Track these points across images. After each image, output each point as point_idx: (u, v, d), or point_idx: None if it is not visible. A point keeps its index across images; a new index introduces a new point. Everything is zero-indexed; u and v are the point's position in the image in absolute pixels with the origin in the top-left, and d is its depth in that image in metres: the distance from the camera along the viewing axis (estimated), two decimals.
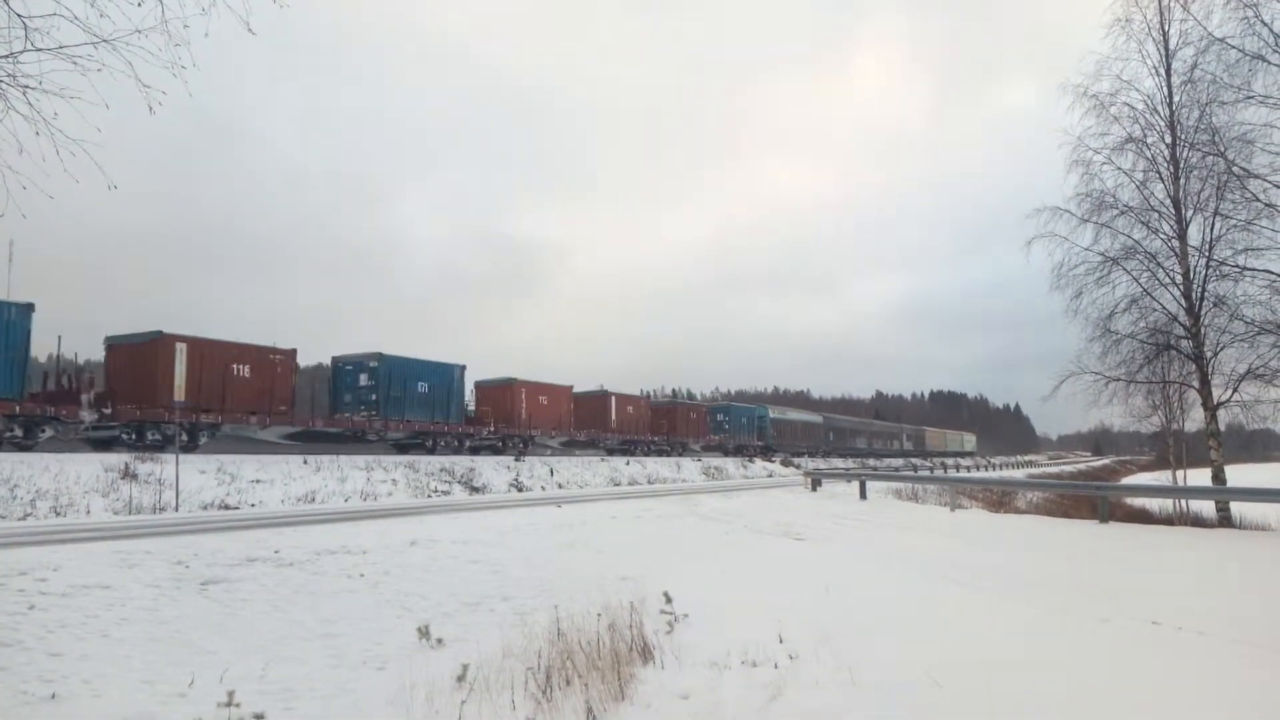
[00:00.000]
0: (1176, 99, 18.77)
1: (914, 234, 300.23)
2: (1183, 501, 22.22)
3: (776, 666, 5.59)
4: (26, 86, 4.42)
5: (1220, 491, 18.10)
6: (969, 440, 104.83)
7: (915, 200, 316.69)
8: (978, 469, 72.44)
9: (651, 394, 55.62)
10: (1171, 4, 18.64)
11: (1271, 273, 17.20)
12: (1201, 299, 18.44)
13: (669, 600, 7.07)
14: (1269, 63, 15.99)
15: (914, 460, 71.15)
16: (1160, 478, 29.23)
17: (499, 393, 33.32)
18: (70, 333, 29.91)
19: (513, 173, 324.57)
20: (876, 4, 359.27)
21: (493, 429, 31.60)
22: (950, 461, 78.29)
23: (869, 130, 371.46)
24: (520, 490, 24.67)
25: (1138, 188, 19.43)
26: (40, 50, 4.37)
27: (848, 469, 40.84)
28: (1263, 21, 15.92)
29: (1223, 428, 19.15)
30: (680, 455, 42.87)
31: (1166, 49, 18.85)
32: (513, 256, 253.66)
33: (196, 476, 17.72)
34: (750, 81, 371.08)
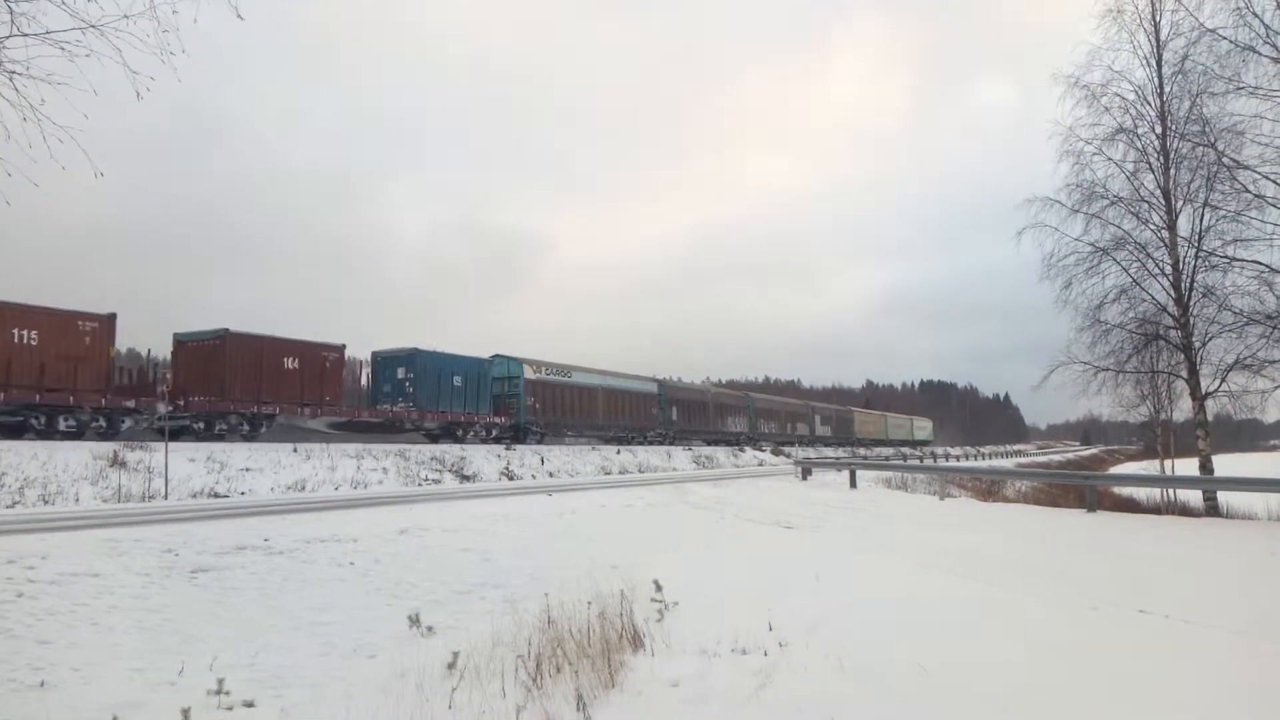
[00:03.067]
0: (1167, 90, 18.85)
1: (900, 226, 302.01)
2: (1170, 491, 22.38)
3: (766, 654, 5.62)
4: (13, 72, 4.38)
5: (1207, 481, 18.25)
6: (922, 427, 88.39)
7: (900, 193, 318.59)
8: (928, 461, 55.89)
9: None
10: None
11: (1260, 264, 17.31)
12: (1190, 289, 18.54)
13: (659, 588, 7.10)
14: (1259, 54, 16.05)
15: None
16: (1148, 467, 29.39)
17: None
18: None
19: (503, 166, 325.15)
20: (853, 5, 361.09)
21: None
22: (891, 453, 60.81)
23: (851, 126, 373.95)
24: (511, 478, 24.67)
25: (1128, 178, 19.53)
26: (27, 35, 4.33)
27: (838, 458, 40.65)
28: (1254, 13, 15.98)
29: (1210, 418, 19.29)
30: (235, 440, 22.75)
31: (1158, 40, 18.90)
32: (504, 248, 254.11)
33: (186, 464, 17.65)
34: (734, 79, 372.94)
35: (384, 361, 29.60)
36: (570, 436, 36.54)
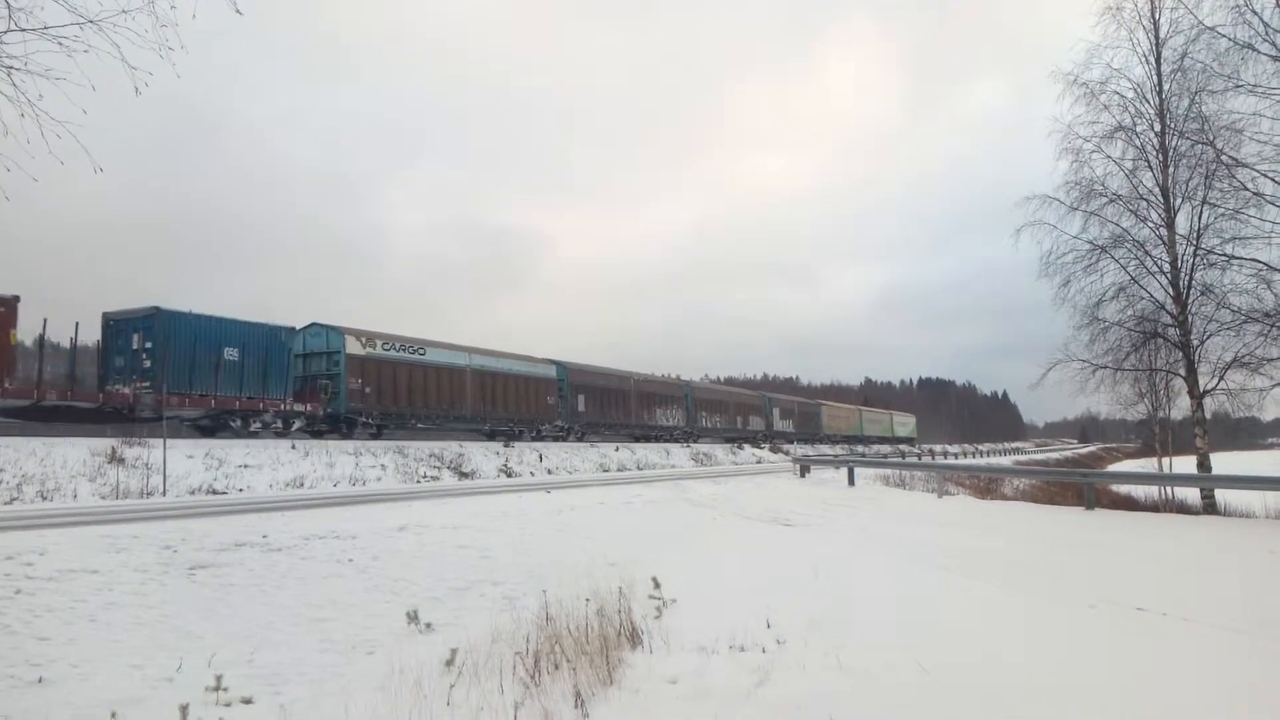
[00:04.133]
0: (1166, 87, 18.84)
1: (899, 224, 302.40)
2: (1168, 489, 22.39)
3: (764, 651, 5.62)
4: (11, 68, 4.37)
5: (1205, 479, 18.26)
6: (904, 423, 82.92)
7: (898, 191, 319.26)
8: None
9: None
10: None
11: (1258, 261, 17.32)
12: (1189, 287, 18.55)
13: (657, 585, 7.09)
14: (1258, 52, 16.06)
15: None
16: (1146, 465, 29.40)
17: None
18: (57, 314, 29.22)
19: (502, 166, 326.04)
20: (849, 8, 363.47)
21: None
22: (889, 450, 59.71)
23: (844, 127, 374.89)
24: (509, 476, 24.67)
25: (1127, 176, 19.53)
26: (25, 30, 4.32)
27: (836, 456, 40.44)
28: (1253, 10, 15.98)
29: (1209, 415, 19.29)
30: None
31: (1157, 37, 18.89)
32: (503, 248, 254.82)
33: (184, 461, 17.65)
34: (732, 81, 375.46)
35: (116, 327, 21.34)
36: (425, 430, 28.97)
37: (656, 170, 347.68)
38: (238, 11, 4.54)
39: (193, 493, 16.19)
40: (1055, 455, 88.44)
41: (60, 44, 4.34)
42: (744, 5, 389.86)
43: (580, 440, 34.98)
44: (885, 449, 60.86)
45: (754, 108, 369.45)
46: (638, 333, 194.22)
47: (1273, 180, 16.55)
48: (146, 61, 4.49)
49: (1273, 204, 16.81)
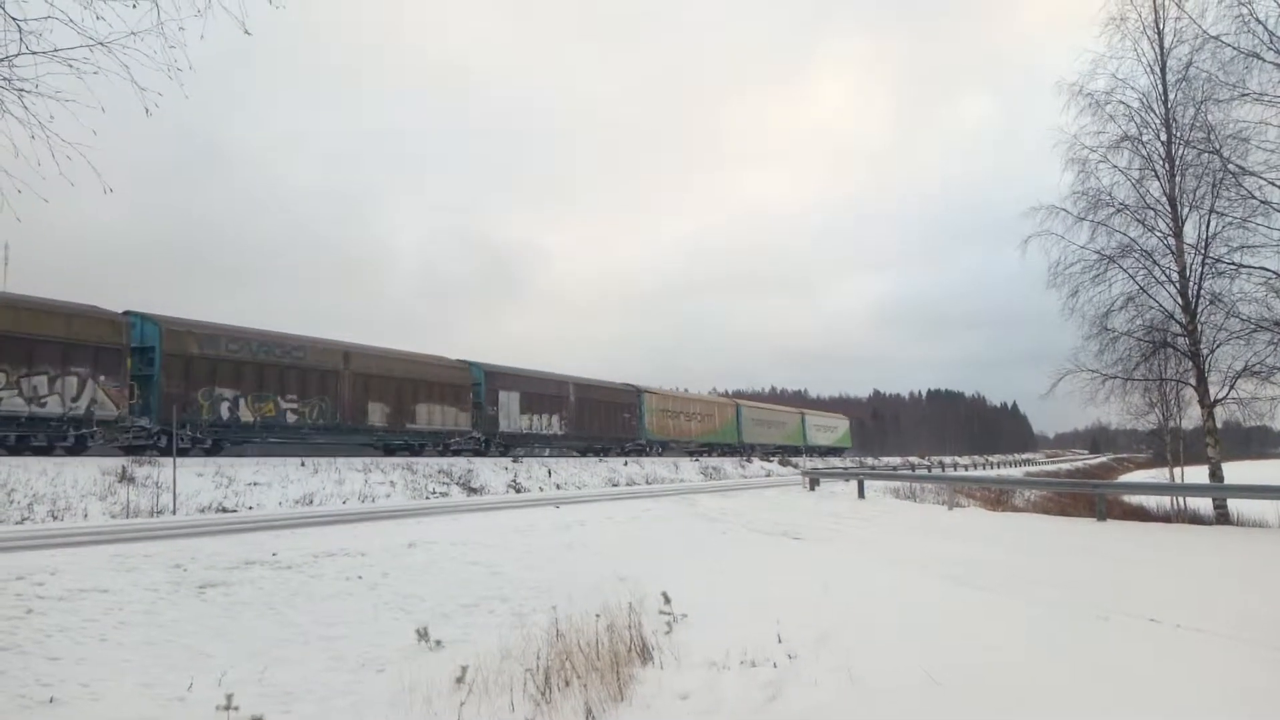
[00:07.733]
0: (1172, 97, 18.81)
1: (901, 235, 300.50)
2: (1180, 499, 22.25)
3: (775, 666, 5.59)
4: (22, 90, 4.42)
5: (1217, 489, 18.14)
6: (825, 427, 62.47)
7: (897, 203, 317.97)
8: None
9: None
10: (1166, 2, 18.67)
11: (1268, 270, 17.24)
12: (1198, 296, 18.47)
13: (668, 600, 7.07)
14: (1264, 60, 16.03)
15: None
16: (1157, 475, 29.24)
17: None
18: None
19: (504, 183, 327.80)
20: (844, 27, 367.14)
21: None
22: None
23: (845, 141, 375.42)
24: (518, 491, 24.64)
25: (1134, 185, 19.48)
26: (36, 54, 4.37)
27: (846, 469, 39.91)
28: (1257, 19, 15.96)
29: (1220, 425, 19.17)
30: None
31: (1161, 47, 18.89)
32: (504, 262, 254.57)
33: (194, 479, 17.69)
34: (730, 98, 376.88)
35: None
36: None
37: (656, 184, 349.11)
38: (246, 32, 4.58)
39: (203, 511, 16.22)
40: (1066, 466, 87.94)
41: (70, 66, 4.39)
42: (741, 27, 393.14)
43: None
44: (800, 462, 50.22)
45: (753, 124, 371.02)
46: (645, 345, 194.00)
47: None
48: (156, 83, 4.53)
49: None
